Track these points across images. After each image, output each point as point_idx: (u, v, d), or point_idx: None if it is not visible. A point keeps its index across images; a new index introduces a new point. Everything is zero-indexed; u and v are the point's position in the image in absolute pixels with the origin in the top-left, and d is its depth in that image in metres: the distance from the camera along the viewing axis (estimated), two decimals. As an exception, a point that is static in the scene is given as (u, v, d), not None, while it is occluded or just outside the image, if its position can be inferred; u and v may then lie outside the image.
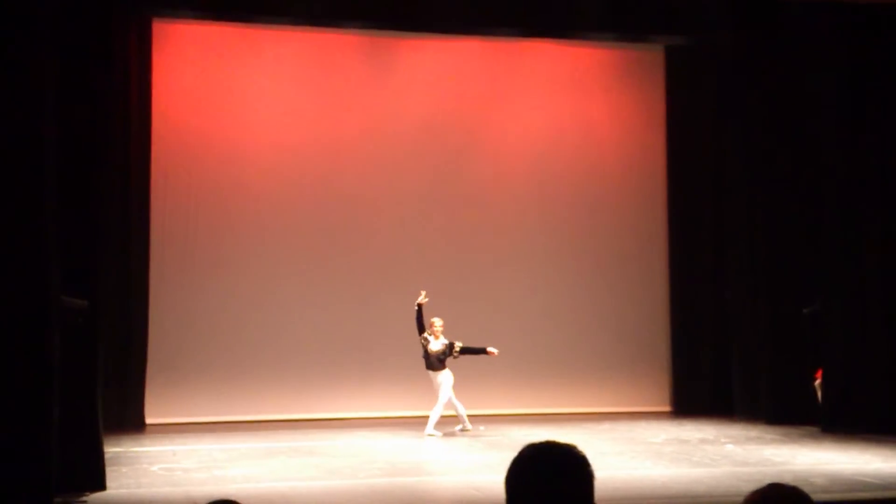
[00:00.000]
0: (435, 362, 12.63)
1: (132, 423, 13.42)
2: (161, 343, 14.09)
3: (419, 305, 12.64)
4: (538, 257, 15.50)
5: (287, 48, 15.05)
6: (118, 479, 9.13)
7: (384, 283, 14.77)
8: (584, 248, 15.67)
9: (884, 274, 12.76)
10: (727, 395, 14.86)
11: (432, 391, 12.72)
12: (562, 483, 2.53)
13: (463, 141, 15.50)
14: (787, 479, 2.87)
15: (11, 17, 8.02)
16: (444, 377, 12.59)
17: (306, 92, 15.06)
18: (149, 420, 13.81)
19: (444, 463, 10.97)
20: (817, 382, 13.33)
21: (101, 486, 8.62)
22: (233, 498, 2.96)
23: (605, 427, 13.42)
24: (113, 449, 10.53)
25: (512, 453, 2.60)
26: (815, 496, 2.85)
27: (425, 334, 12.65)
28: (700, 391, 15.34)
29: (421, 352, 12.72)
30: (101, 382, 8.96)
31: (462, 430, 12.71)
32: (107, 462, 8.96)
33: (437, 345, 12.64)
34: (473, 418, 12.93)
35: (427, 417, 12.62)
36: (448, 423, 12.74)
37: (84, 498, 8.31)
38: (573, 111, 15.84)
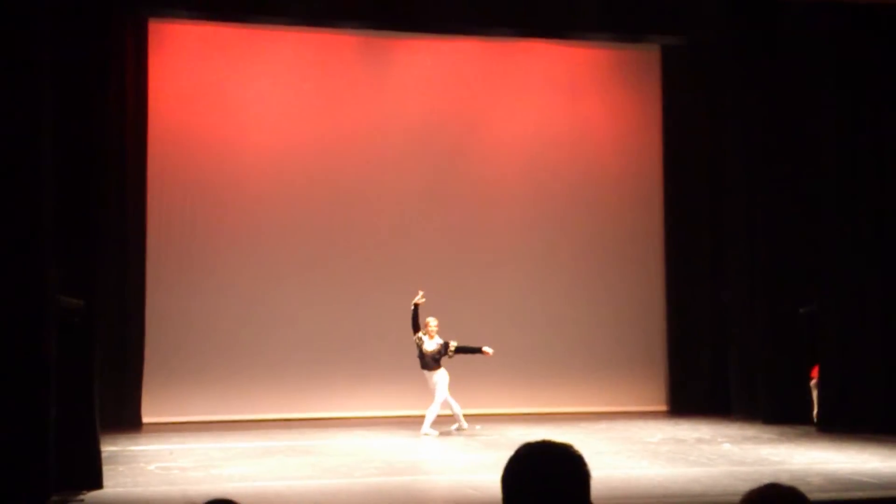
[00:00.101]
0: (430, 362, 12.63)
1: (129, 422, 13.41)
2: (158, 342, 14.09)
3: (416, 305, 12.64)
4: (535, 257, 15.51)
5: (283, 48, 15.05)
6: (115, 478, 9.11)
7: (381, 283, 14.78)
8: (580, 248, 15.68)
9: (881, 274, 12.76)
10: (724, 394, 14.86)
11: (428, 391, 12.72)
12: (558, 482, 2.53)
13: (459, 141, 15.50)
14: (783, 479, 2.87)
15: (8, 16, 8.01)
16: (440, 377, 12.60)
17: (302, 92, 15.05)
18: (146, 419, 13.81)
19: (441, 462, 10.96)
20: (813, 382, 13.34)
21: (98, 485, 8.61)
22: (230, 497, 2.96)
23: (602, 426, 13.43)
24: (110, 448, 10.52)
25: (508, 452, 2.60)
26: (811, 496, 2.85)
27: (419, 334, 12.65)
28: (697, 391, 15.34)
29: (416, 351, 12.73)
30: (97, 382, 8.95)
31: (458, 429, 12.71)
32: (104, 461, 8.95)
33: (431, 344, 12.64)
34: (470, 417, 12.94)
35: (423, 417, 12.63)
36: (444, 422, 12.74)
37: (81, 497, 8.30)
38: (570, 111, 15.84)
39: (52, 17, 8.38)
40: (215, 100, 14.78)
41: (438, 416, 12.62)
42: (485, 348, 12.76)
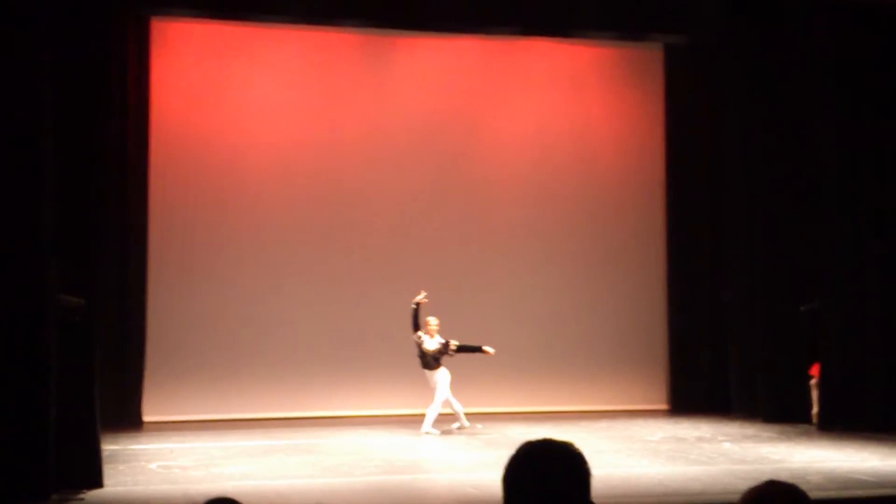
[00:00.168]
0: (431, 361, 12.64)
1: (130, 420, 13.41)
2: (159, 341, 14.09)
3: (417, 304, 12.64)
4: (536, 256, 15.51)
5: (285, 47, 15.05)
6: (116, 477, 9.11)
7: (381, 282, 14.77)
8: (582, 247, 15.68)
9: (881, 274, 12.77)
10: (724, 393, 14.85)
11: (429, 390, 12.73)
12: (559, 481, 2.54)
13: (460, 139, 15.50)
14: (783, 477, 2.87)
15: (10, 15, 8.02)
16: (441, 375, 12.60)
17: (304, 90, 15.06)
18: (146, 418, 13.81)
19: (442, 461, 10.97)
20: (813, 381, 13.34)
21: (99, 483, 8.61)
22: (230, 496, 2.97)
23: (603, 425, 13.43)
24: (110, 447, 10.53)
25: (509, 451, 2.61)
26: (811, 494, 2.86)
27: (419, 333, 12.65)
28: (697, 390, 15.34)
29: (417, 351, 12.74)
30: (98, 380, 8.95)
31: (459, 427, 12.72)
32: (104, 460, 8.95)
33: (432, 343, 12.65)
34: (471, 416, 12.94)
35: (423, 415, 12.63)
36: (445, 420, 12.75)
37: (81, 496, 8.30)
38: (572, 110, 15.83)
39: (53, 16, 8.39)
40: (217, 98, 14.78)
41: (439, 414, 12.62)
42: (486, 347, 12.77)
